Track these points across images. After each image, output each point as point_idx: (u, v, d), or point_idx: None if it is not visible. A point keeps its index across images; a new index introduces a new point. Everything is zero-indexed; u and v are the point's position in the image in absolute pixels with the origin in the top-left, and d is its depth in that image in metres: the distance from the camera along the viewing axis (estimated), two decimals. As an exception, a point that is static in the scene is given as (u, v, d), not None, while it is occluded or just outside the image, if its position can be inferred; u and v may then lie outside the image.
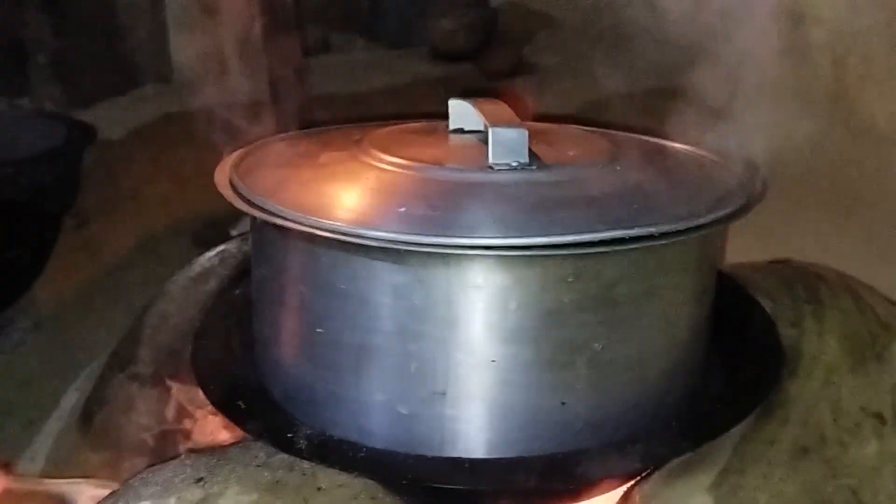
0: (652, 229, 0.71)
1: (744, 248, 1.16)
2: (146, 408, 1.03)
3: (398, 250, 0.70)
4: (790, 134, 0.95)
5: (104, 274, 1.59)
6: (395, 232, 0.70)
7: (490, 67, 2.31)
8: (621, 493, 0.82)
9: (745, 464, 0.80)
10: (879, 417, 0.86)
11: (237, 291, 0.98)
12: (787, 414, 0.84)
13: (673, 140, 0.94)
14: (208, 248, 1.19)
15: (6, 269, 1.40)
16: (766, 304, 0.95)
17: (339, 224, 0.71)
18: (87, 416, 1.08)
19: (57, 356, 1.42)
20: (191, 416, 1.02)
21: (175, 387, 1.02)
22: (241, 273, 1.05)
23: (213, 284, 1.05)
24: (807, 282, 0.97)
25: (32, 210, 1.47)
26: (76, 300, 1.54)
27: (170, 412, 1.03)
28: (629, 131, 1.00)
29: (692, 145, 0.93)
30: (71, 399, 1.23)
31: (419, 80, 2.30)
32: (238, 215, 1.56)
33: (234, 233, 1.49)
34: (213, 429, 1.01)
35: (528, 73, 2.29)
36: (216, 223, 1.59)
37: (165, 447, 1.02)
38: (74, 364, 1.33)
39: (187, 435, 1.02)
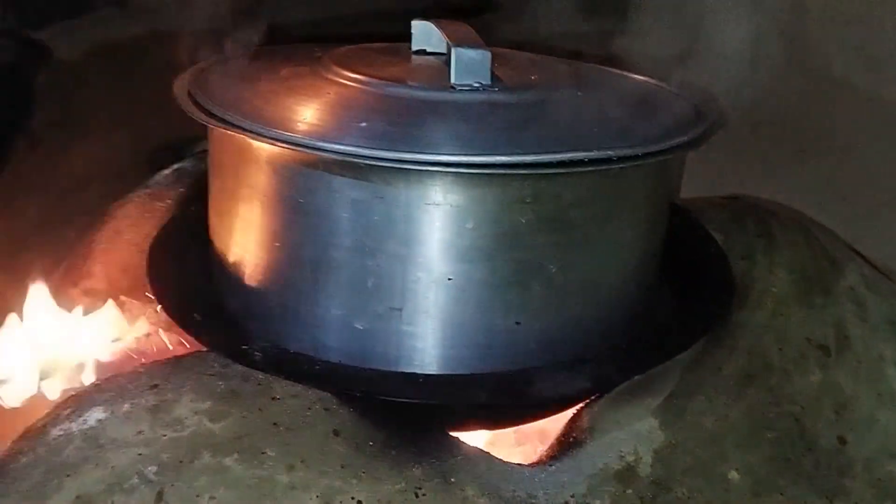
0: (611, 153, 0.71)
1: (696, 188, 1.18)
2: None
3: (358, 164, 0.70)
4: (745, 74, 0.96)
5: (58, 194, 1.57)
6: (355, 146, 0.70)
7: (453, 2, 2.29)
8: (570, 414, 0.83)
9: (691, 389, 0.82)
10: (824, 349, 0.88)
11: (193, 208, 0.97)
12: (735, 342, 0.86)
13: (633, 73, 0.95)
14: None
15: (-46, 184, 1.37)
16: (718, 237, 0.96)
17: (299, 136, 0.71)
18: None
19: (11, 281, 1.41)
20: (145, 332, 1.02)
21: (128, 302, 1.02)
22: (198, 190, 1.04)
23: (168, 201, 1.05)
24: (758, 216, 0.99)
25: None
26: (28, 221, 1.52)
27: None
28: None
29: (653, 78, 0.94)
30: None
31: (380, 11, 2.28)
32: (195, 139, 1.55)
33: (188, 152, 1.48)
34: (169, 344, 1.01)
35: (491, 11, 2.27)
36: (173, 146, 1.57)
37: (120, 363, 1.02)
38: (26, 283, 1.32)
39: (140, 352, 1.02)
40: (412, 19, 0.93)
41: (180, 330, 0.95)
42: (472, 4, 2.26)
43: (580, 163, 0.71)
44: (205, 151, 1.13)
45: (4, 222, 1.50)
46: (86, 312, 1.02)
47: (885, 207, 1.30)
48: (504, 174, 0.71)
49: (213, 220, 0.85)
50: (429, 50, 0.91)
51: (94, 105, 1.81)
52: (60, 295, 1.05)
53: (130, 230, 1.04)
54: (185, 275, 0.88)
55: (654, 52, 0.95)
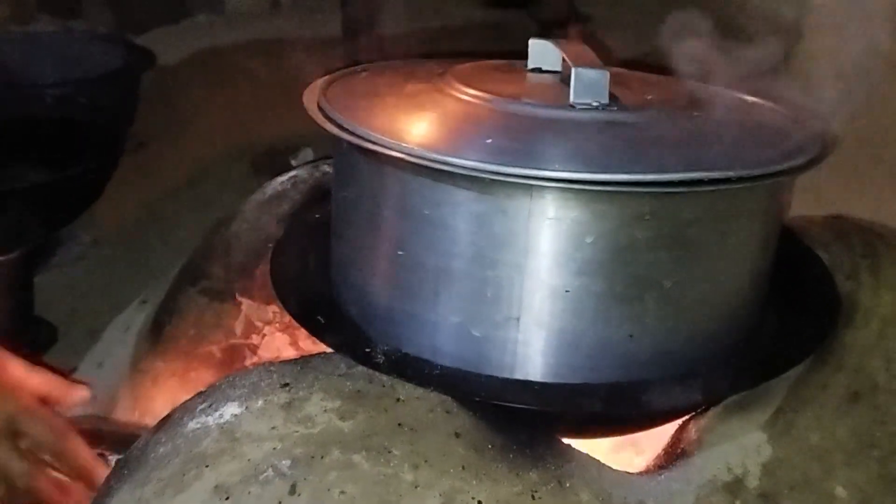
0: (730, 173, 0.73)
1: (799, 208, 1.19)
2: (215, 322, 1.08)
3: (482, 179, 0.73)
4: (852, 96, 0.97)
5: (162, 195, 1.64)
6: (481, 161, 0.73)
7: (542, 15, 2.32)
8: (678, 425, 0.85)
9: (798, 405, 0.83)
10: (929, 370, 0.89)
11: (314, 215, 1.01)
12: (841, 361, 0.87)
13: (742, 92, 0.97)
14: (266, 175, 1.23)
15: (68, 185, 1.44)
16: (823, 256, 0.97)
17: (428, 151, 0.74)
18: (157, 326, 1.12)
19: (116, 271, 1.47)
20: (259, 332, 1.07)
21: (245, 303, 1.07)
22: (313, 197, 1.09)
23: (285, 207, 1.09)
24: (863, 236, 1.00)
25: (93, 129, 1.50)
26: (135, 219, 1.58)
27: (238, 327, 1.07)
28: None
29: (764, 98, 0.96)
30: (133, 311, 1.28)
31: (472, 24, 2.31)
32: (297, 144, 1.60)
33: (293, 161, 1.53)
34: (280, 345, 1.06)
35: (580, 23, 2.30)
36: (274, 151, 1.63)
37: (233, 361, 1.06)
38: (134, 279, 1.38)
39: (254, 350, 1.07)
40: (512, 34, 0.95)
41: (296, 333, 1.00)
42: (562, 19, 2.29)
43: (699, 182, 0.73)
44: (316, 161, 1.17)
45: (113, 221, 1.57)
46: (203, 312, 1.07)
47: None
48: (624, 192, 0.73)
49: (337, 227, 0.89)
50: (544, 68, 0.94)
51: (196, 110, 1.88)
52: (179, 294, 1.10)
53: (248, 234, 1.08)
54: (307, 279, 0.92)
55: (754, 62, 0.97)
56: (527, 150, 0.76)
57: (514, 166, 0.72)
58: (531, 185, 0.73)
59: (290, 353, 1.03)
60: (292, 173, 1.14)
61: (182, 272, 1.14)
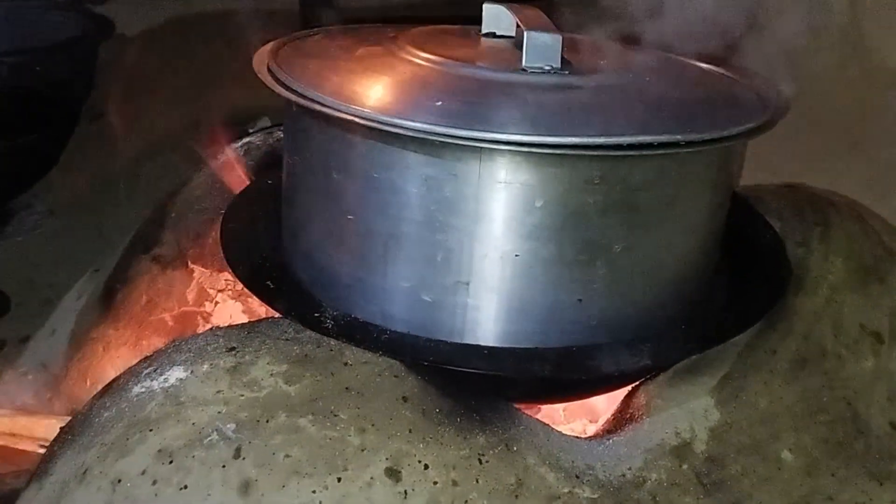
0: (679, 137, 0.73)
1: (750, 176, 1.19)
2: (168, 289, 1.07)
3: (433, 142, 0.73)
4: (803, 68, 0.97)
5: (119, 166, 1.61)
6: (430, 124, 0.72)
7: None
8: (627, 391, 0.86)
9: (747, 370, 0.84)
10: (877, 336, 0.90)
11: (266, 180, 1.00)
12: (791, 327, 0.88)
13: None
14: (225, 144, 1.22)
15: (22, 153, 1.42)
16: (776, 224, 0.98)
17: (378, 113, 0.74)
18: (108, 294, 1.11)
19: (71, 241, 1.46)
20: (211, 299, 1.06)
21: (197, 270, 1.06)
22: (266, 163, 1.08)
23: (238, 174, 1.08)
24: (815, 204, 1.01)
25: (48, 98, 1.48)
26: (91, 189, 1.56)
27: (191, 294, 1.06)
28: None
29: (718, 66, 0.96)
30: (87, 280, 1.26)
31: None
32: (257, 114, 1.59)
33: (250, 130, 1.51)
34: (233, 312, 1.05)
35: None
36: (233, 121, 1.61)
37: (185, 328, 1.06)
38: (90, 248, 1.36)
39: (207, 318, 1.06)
40: (481, 2, 0.95)
41: (249, 300, 0.99)
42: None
43: (648, 146, 0.73)
44: (271, 127, 1.16)
45: (69, 191, 1.55)
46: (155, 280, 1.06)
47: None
48: (573, 155, 0.73)
49: (288, 193, 0.88)
50: (498, 33, 0.93)
51: (154, 80, 1.85)
52: (131, 262, 1.09)
53: (202, 201, 1.07)
54: (258, 245, 0.91)
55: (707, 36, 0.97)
56: (477, 114, 0.75)
57: (463, 129, 0.72)
58: (481, 148, 0.73)
59: (242, 320, 1.02)
60: (245, 140, 1.13)
61: (134, 240, 1.13)
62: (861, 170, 1.32)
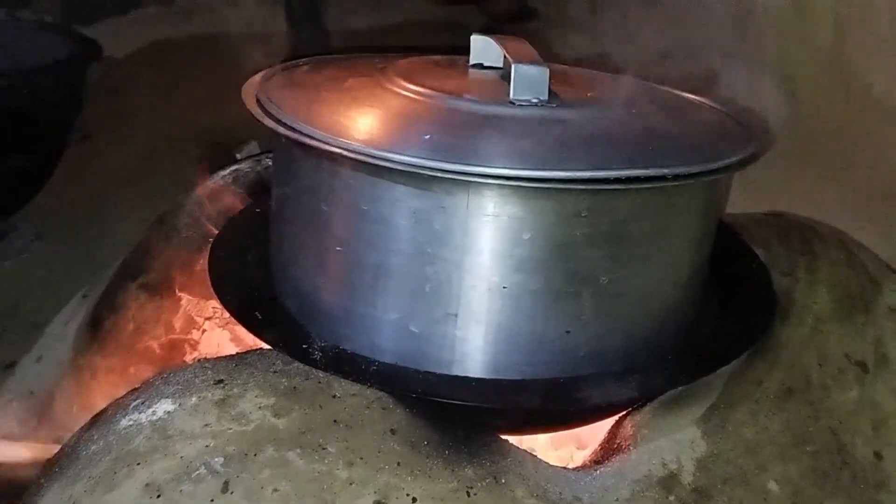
0: (665, 170, 0.74)
1: (737, 205, 1.20)
2: (155, 317, 1.07)
3: (422, 175, 0.73)
4: (789, 95, 0.98)
5: (108, 189, 1.61)
6: (420, 157, 0.73)
7: (494, 10, 2.32)
8: (614, 421, 0.86)
9: (733, 401, 0.84)
10: (862, 366, 0.90)
11: (255, 209, 1.00)
12: (776, 357, 0.88)
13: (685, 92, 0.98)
14: (212, 170, 1.22)
15: (10, 176, 1.42)
16: (761, 253, 0.99)
17: (367, 147, 0.74)
18: (96, 321, 1.11)
19: (59, 265, 1.45)
20: (198, 327, 1.06)
21: (185, 298, 1.06)
22: (255, 192, 1.08)
23: (227, 202, 1.08)
24: (801, 234, 1.01)
25: (36, 121, 1.48)
26: (80, 212, 1.56)
27: (178, 322, 1.06)
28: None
29: (703, 97, 0.97)
30: (75, 306, 1.26)
31: (423, 19, 2.31)
32: (243, 139, 1.59)
33: (238, 155, 1.51)
34: (221, 341, 1.05)
35: (531, 19, 2.30)
36: (220, 145, 1.61)
37: (172, 356, 1.05)
38: (77, 273, 1.36)
39: (194, 345, 1.06)
40: (463, 29, 0.95)
41: (237, 329, 0.99)
42: (512, 14, 2.29)
43: (636, 180, 0.73)
44: (259, 155, 1.17)
45: (58, 214, 1.55)
46: (143, 308, 1.06)
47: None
48: (562, 188, 0.73)
49: (276, 222, 0.88)
50: (486, 64, 0.94)
51: (144, 102, 1.86)
52: (119, 289, 1.09)
53: (189, 229, 1.07)
54: (246, 275, 0.91)
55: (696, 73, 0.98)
56: (465, 147, 0.76)
57: (451, 162, 0.72)
58: (469, 182, 0.73)
59: (230, 348, 1.02)
60: (234, 167, 1.13)
61: (122, 267, 1.13)
62: (845, 195, 1.33)
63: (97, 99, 1.75)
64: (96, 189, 1.59)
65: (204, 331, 1.06)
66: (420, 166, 0.72)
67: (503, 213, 0.75)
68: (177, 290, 1.06)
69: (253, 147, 1.52)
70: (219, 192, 1.09)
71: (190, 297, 1.06)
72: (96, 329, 1.10)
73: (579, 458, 0.88)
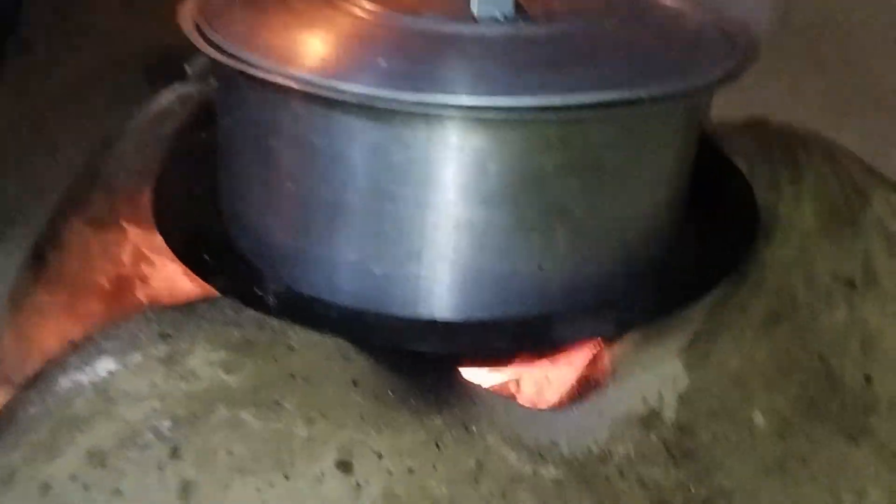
0: (642, 93, 0.68)
1: (714, 105, 1.14)
2: (102, 251, 1.00)
3: (377, 107, 0.67)
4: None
5: (51, 105, 1.53)
6: (375, 87, 0.66)
7: None
8: (590, 355, 0.82)
9: (716, 329, 0.80)
10: (850, 284, 0.86)
11: (200, 135, 0.93)
12: (761, 280, 0.83)
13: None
14: (162, 84, 1.14)
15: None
16: (743, 166, 0.93)
17: (316, 77, 0.67)
18: (39, 257, 1.04)
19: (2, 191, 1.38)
20: (148, 261, 1.00)
21: (132, 231, 0.99)
22: (201, 115, 1.00)
23: (171, 126, 1.01)
24: (784, 144, 0.96)
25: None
26: (18, 132, 1.48)
27: (126, 256, 1.00)
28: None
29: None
30: (15, 236, 1.20)
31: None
32: (194, 50, 1.50)
33: (189, 69, 1.43)
34: (172, 274, 0.99)
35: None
36: (170, 58, 1.52)
37: (122, 292, 0.99)
38: (16, 200, 1.29)
39: (144, 280, 1.00)
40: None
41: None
42: None
43: (610, 104, 0.67)
44: (206, 71, 1.09)
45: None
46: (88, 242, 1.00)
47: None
48: (529, 117, 0.67)
49: (223, 156, 0.82)
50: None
51: (88, 12, 1.75)
52: (62, 223, 1.03)
53: (132, 156, 1.00)
54: (194, 211, 0.85)
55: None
56: (424, 73, 0.69)
57: (410, 92, 0.66)
58: (429, 113, 0.67)
59: (183, 284, 0.96)
60: (179, 89, 1.05)
61: (64, 198, 1.06)
62: (822, 93, 1.28)
63: (38, 8, 1.66)
64: (37, 106, 1.51)
65: (154, 265, 1.00)
66: (375, 97, 0.66)
67: (467, 145, 0.68)
68: (123, 223, 1.00)
69: (205, 61, 1.44)
70: (163, 116, 1.02)
71: (137, 230, 0.99)
72: (40, 265, 1.04)
73: (554, 393, 0.84)
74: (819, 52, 1.33)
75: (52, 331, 0.99)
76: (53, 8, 1.67)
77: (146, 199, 0.97)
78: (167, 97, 1.04)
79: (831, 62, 1.32)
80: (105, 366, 0.70)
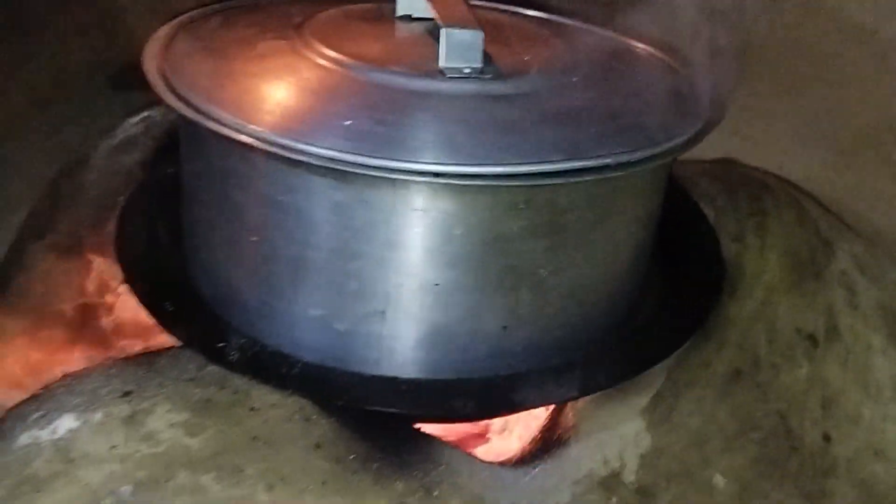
0: (608, 160, 0.68)
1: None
2: (66, 280, 0.99)
3: (340, 169, 0.66)
4: (741, 7, 0.91)
5: (13, 114, 1.50)
6: (338, 150, 0.65)
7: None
8: (553, 409, 0.82)
9: (679, 388, 0.80)
10: (812, 339, 0.86)
11: (166, 169, 0.91)
12: (724, 336, 0.84)
13: (622, 30, 0.90)
14: (127, 92, 1.13)
15: None
16: (710, 214, 0.93)
17: (280, 136, 0.67)
18: (2, 281, 1.03)
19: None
20: (112, 291, 0.99)
21: (96, 260, 0.98)
22: (167, 145, 0.99)
23: (136, 155, 1.00)
24: (751, 191, 0.96)
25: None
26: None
27: (90, 285, 0.99)
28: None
29: (646, 42, 0.90)
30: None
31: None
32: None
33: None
34: (136, 305, 0.98)
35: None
36: (136, 64, 1.49)
37: (86, 319, 0.99)
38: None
39: (109, 309, 0.99)
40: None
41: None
42: None
43: (577, 172, 0.67)
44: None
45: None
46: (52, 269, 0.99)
47: (868, 147, 1.27)
48: (497, 184, 0.67)
49: (188, 201, 0.81)
50: (414, 15, 0.85)
51: (48, 14, 1.71)
52: (25, 247, 1.02)
53: (97, 185, 0.99)
54: (157, 253, 0.84)
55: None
56: (389, 136, 0.68)
57: (375, 157, 0.65)
58: (394, 178, 0.66)
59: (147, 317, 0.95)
60: (144, 114, 1.03)
61: (27, 223, 1.04)
62: (793, 115, 1.27)
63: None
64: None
65: (119, 294, 0.99)
66: (339, 160, 0.65)
67: (432, 208, 0.68)
68: (87, 252, 0.99)
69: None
70: (128, 144, 1.01)
71: (101, 260, 0.98)
72: (3, 289, 1.03)
73: (518, 442, 0.84)
74: (791, 81, 1.32)
75: (14, 357, 0.98)
76: (6, 7, 1.63)
77: (111, 228, 0.96)
78: (132, 122, 1.03)
79: (804, 92, 1.32)
80: (66, 423, 0.69)
